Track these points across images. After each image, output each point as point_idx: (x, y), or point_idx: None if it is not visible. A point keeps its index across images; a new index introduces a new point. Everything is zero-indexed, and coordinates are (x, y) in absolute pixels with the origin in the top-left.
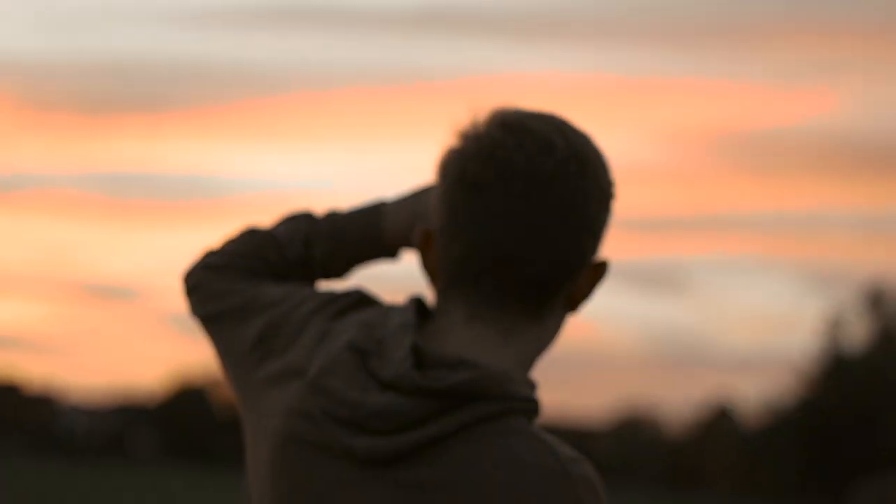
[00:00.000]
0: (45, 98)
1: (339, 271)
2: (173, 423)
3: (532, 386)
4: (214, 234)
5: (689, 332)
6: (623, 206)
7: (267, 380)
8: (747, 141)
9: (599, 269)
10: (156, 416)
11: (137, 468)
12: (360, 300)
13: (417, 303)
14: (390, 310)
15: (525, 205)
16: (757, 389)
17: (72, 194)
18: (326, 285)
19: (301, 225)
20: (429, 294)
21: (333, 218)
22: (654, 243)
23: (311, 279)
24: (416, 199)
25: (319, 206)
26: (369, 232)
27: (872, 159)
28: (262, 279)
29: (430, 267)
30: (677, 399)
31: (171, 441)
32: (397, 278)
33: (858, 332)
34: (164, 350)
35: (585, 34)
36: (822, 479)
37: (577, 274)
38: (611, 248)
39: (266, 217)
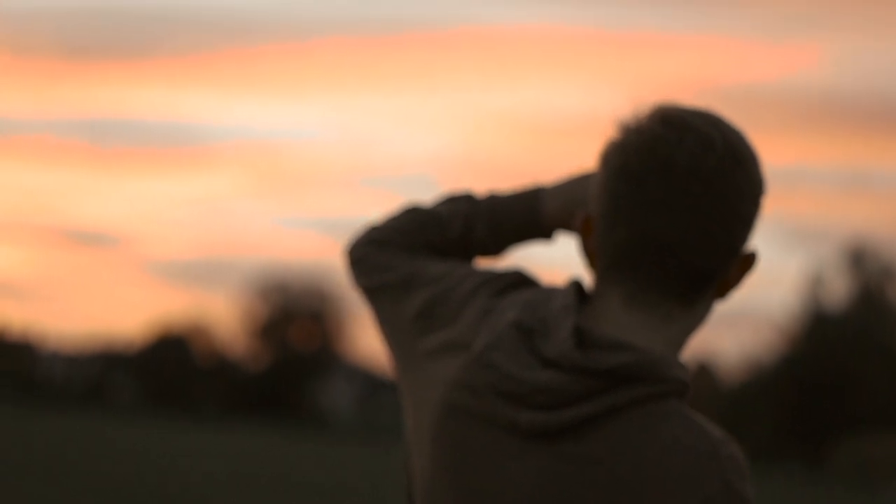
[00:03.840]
0: (24, 44)
1: (497, 251)
2: (153, 371)
3: (684, 368)
4: (194, 182)
5: None
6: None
7: (428, 352)
8: (729, 95)
9: (749, 260)
10: (136, 364)
11: (117, 415)
12: (520, 280)
13: (577, 286)
14: (552, 291)
15: (686, 198)
16: (737, 345)
17: (52, 141)
18: (484, 263)
19: (462, 206)
20: (586, 276)
21: (493, 200)
22: None
23: (469, 257)
24: (574, 186)
25: (302, 154)
26: (528, 216)
27: (855, 116)
28: (422, 255)
29: (589, 251)
30: None
31: (151, 388)
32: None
33: (839, 290)
34: (144, 297)
35: None
36: (802, 437)
37: (730, 264)
38: None
39: (244, 165)
